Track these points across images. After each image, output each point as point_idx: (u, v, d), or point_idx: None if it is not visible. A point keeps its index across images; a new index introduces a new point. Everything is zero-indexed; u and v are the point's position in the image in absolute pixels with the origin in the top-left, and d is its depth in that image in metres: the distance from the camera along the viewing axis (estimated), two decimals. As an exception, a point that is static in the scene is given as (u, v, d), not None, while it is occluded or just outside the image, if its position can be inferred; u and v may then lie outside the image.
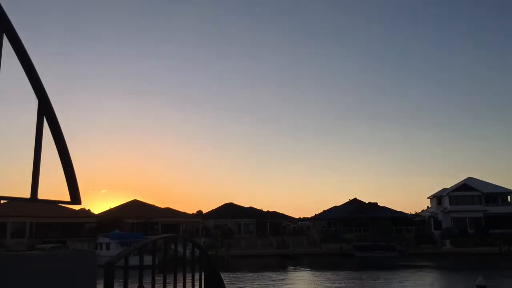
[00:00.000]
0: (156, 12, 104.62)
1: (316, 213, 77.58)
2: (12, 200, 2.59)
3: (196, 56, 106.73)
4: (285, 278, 36.58)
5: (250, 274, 37.94)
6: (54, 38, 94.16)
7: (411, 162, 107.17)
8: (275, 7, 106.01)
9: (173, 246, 6.00)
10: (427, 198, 77.95)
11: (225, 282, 7.48)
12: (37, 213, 54.01)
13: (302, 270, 42.94)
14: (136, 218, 63.24)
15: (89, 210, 72.72)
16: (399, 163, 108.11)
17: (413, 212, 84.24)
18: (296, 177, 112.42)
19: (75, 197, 2.74)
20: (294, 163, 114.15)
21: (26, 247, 47.70)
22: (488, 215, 64.91)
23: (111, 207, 71.43)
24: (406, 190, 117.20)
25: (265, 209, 78.67)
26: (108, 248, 44.40)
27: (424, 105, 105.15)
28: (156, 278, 4.13)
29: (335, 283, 32.20)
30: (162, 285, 4.65)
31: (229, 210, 74.04)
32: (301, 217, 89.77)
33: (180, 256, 5.69)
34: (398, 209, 73.36)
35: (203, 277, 6.33)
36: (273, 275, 37.79)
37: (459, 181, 72.46)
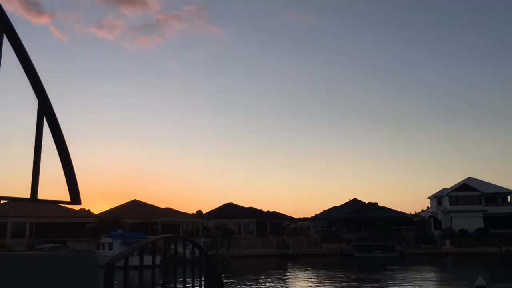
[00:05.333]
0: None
1: (316, 213, 77.64)
2: (12, 200, 2.59)
3: (195, 57, 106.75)
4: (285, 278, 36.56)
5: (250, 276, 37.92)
6: (53, 37, 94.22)
7: (411, 162, 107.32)
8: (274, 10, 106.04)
9: (173, 246, 6.00)
10: (427, 198, 77.96)
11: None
12: (37, 213, 53.94)
13: (303, 272, 42.89)
14: (136, 218, 63.17)
15: (89, 210, 72.73)
16: (399, 163, 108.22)
17: (413, 212, 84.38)
18: (296, 177, 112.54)
19: (75, 197, 2.74)
20: (294, 163, 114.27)
21: (26, 247, 47.65)
22: (488, 215, 64.86)
23: (111, 207, 71.45)
24: (406, 190, 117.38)
25: (265, 209, 78.71)
26: (111, 248, 44.31)
27: (424, 105, 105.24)
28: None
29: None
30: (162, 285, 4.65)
31: (229, 210, 73.93)
32: (301, 217, 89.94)
33: (180, 256, 5.69)
34: (398, 209, 73.44)
35: (203, 278, 6.32)
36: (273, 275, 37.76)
37: (459, 181, 72.46)
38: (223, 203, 78.16)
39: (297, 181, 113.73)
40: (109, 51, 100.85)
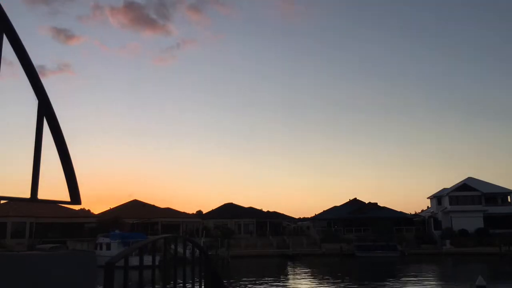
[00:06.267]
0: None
1: (316, 213, 77.58)
2: (12, 200, 2.59)
3: (193, 55, 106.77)
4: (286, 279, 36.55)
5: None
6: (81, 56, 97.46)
7: (411, 162, 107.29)
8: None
9: (173, 246, 6.01)
10: (427, 198, 77.95)
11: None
12: (37, 213, 53.96)
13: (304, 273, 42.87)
14: (136, 218, 63.19)
15: (89, 210, 72.75)
16: (399, 163, 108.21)
17: (413, 212, 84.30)
18: (296, 177, 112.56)
19: (75, 197, 2.74)
20: (294, 163, 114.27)
21: (26, 247, 47.65)
22: (488, 215, 64.86)
23: (111, 207, 71.46)
24: (406, 190, 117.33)
25: (265, 209, 78.68)
26: (108, 248, 44.36)
27: (423, 105, 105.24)
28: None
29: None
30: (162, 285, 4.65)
31: (229, 210, 73.95)
32: (301, 217, 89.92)
33: (180, 256, 5.69)
34: (398, 209, 73.37)
35: (203, 278, 6.32)
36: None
37: (459, 181, 72.46)
38: (223, 203, 78.22)
39: (297, 181, 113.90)
40: (124, 66, 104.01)
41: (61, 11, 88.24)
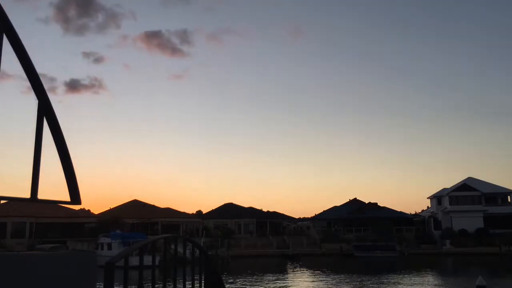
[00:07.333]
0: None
1: (316, 213, 77.62)
2: (12, 200, 2.58)
3: (193, 54, 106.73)
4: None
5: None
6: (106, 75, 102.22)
7: (411, 162, 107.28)
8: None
9: (173, 246, 6.01)
10: (427, 198, 77.95)
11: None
12: (37, 213, 53.96)
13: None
14: (136, 218, 63.17)
15: (89, 210, 72.71)
16: (399, 163, 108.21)
17: (413, 212, 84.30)
18: (296, 177, 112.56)
19: (75, 197, 2.73)
20: (294, 163, 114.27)
21: (26, 247, 47.65)
22: (488, 215, 64.86)
23: (111, 207, 71.42)
24: (406, 190, 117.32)
25: (265, 209, 78.67)
26: (110, 248, 44.43)
27: (424, 105, 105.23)
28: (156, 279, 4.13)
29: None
30: (162, 285, 4.66)
31: (229, 210, 73.93)
32: (301, 217, 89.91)
33: (180, 256, 5.68)
34: (398, 209, 73.38)
35: (203, 278, 6.32)
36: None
37: (459, 181, 72.45)
38: (223, 203, 78.21)
39: (297, 181, 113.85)
40: (139, 78, 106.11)
41: (92, 40, 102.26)
